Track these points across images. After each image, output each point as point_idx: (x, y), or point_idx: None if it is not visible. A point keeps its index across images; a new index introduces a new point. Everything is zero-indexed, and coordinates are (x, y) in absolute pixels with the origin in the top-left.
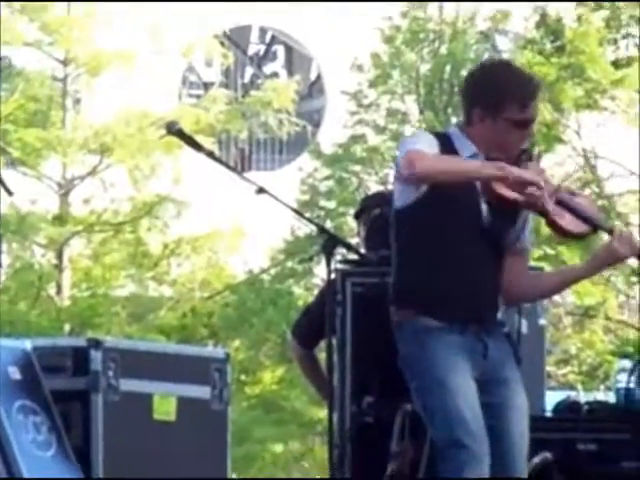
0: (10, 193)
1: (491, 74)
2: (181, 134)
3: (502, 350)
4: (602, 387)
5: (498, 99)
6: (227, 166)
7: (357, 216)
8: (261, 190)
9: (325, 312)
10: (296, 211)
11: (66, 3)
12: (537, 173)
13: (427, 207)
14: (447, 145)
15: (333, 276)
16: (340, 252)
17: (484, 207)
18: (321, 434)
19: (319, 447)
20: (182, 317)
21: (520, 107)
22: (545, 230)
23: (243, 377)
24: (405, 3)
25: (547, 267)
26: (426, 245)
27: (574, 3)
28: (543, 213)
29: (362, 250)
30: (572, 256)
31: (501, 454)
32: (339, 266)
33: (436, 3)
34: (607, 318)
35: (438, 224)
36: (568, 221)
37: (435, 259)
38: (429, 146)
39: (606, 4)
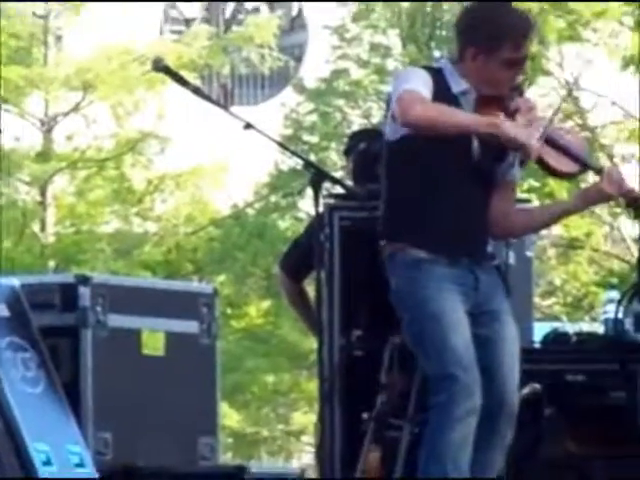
0: None
1: (487, 13)
2: (168, 70)
3: (493, 282)
4: (587, 318)
5: (493, 39)
6: (214, 102)
7: (346, 152)
8: (248, 125)
9: (313, 245)
10: (283, 146)
11: None
12: (528, 110)
13: (418, 140)
14: (440, 80)
15: (321, 210)
16: (326, 187)
17: (475, 142)
18: (310, 367)
19: (306, 380)
20: (167, 253)
21: (514, 47)
22: (532, 163)
23: (229, 311)
24: None
25: (534, 199)
26: (416, 178)
27: None
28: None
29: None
30: (559, 188)
31: (492, 386)
32: (327, 200)
33: None
34: (594, 250)
35: (428, 157)
36: (557, 160)
37: (425, 192)
38: (423, 84)
39: None
